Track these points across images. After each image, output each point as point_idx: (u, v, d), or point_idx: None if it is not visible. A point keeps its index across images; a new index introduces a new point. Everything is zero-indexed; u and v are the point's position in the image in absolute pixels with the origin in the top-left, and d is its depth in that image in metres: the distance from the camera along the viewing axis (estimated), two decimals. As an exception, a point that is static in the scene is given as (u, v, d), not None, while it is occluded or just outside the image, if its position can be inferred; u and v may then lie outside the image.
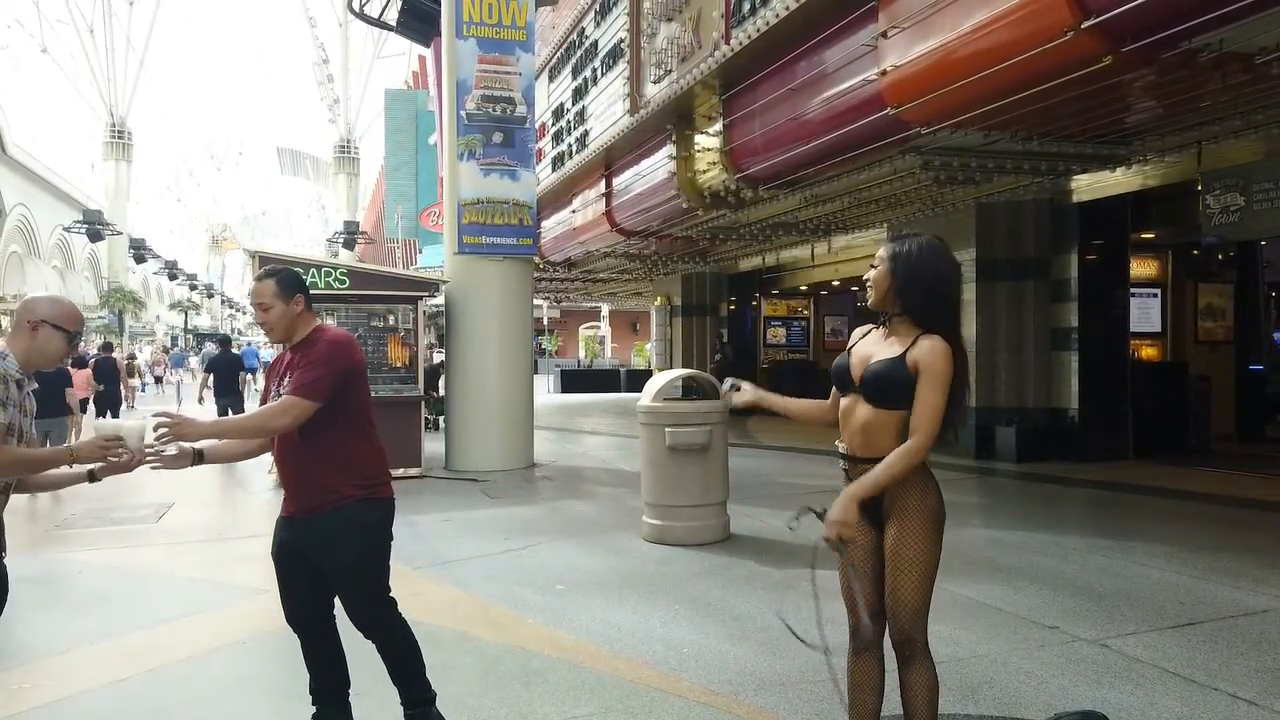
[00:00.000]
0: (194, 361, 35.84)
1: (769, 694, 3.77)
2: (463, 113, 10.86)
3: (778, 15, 7.91)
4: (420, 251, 30.54)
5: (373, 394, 3.51)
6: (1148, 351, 12.41)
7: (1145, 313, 12.25)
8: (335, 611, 3.23)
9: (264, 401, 3.25)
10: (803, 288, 19.18)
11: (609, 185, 13.95)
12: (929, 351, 2.60)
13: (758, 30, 8.25)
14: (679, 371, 7.42)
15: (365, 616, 3.17)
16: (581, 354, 40.64)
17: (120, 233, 47.53)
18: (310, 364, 3.01)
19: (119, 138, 61.12)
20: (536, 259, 15.20)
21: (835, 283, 17.57)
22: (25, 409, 2.70)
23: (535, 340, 22.81)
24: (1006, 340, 10.92)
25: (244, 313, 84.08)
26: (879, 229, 12.30)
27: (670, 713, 3.62)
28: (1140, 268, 12.06)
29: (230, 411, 13.44)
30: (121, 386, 15.94)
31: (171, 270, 52.16)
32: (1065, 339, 10.71)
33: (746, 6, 8.59)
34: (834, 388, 2.88)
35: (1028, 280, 10.90)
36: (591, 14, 13.48)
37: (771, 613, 4.80)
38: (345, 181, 67.31)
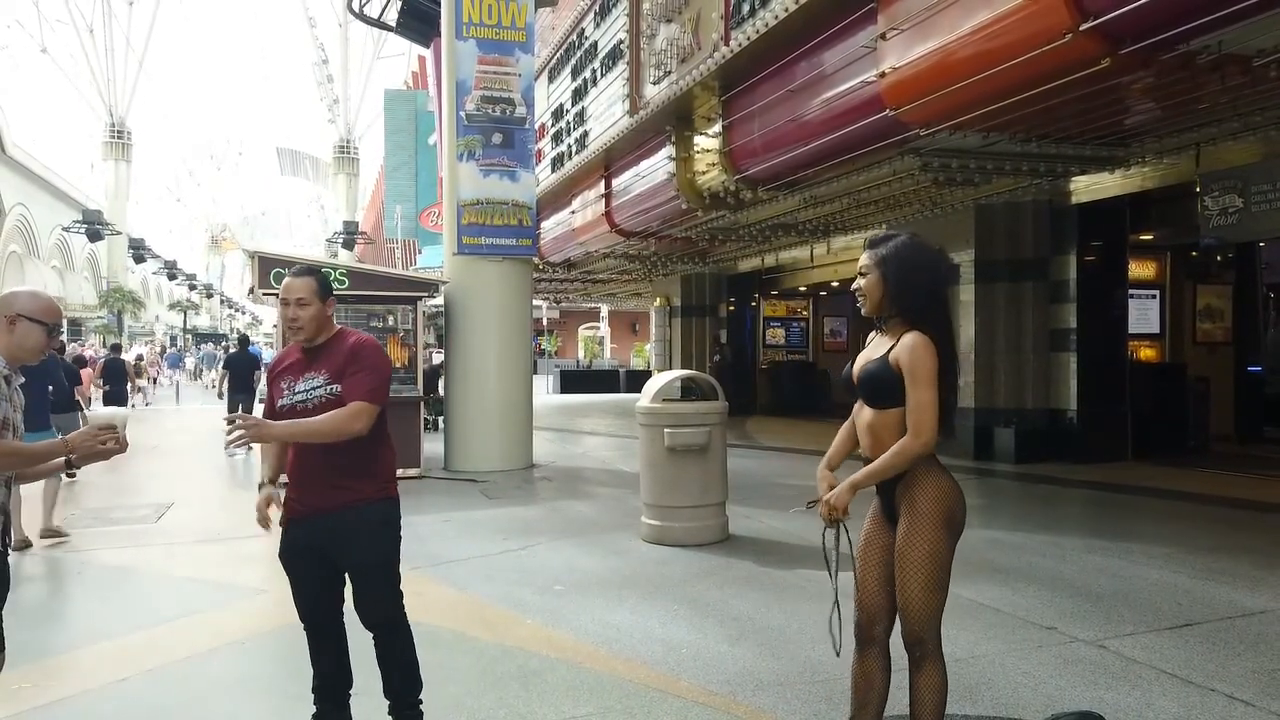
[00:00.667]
0: (190, 362, 35.78)
1: (767, 694, 3.78)
2: (462, 113, 10.86)
3: (777, 17, 7.92)
4: (420, 252, 30.54)
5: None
6: (1146, 353, 12.42)
7: (1144, 314, 12.26)
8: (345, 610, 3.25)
9: (270, 403, 3.24)
10: (802, 288, 19.18)
11: (608, 186, 13.96)
12: (908, 350, 2.63)
13: (757, 32, 8.26)
14: (678, 372, 7.43)
15: (383, 613, 3.20)
16: (581, 354, 40.63)
17: (119, 233, 47.54)
18: (369, 370, 3.10)
19: (118, 138, 61.10)
20: (536, 260, 15.20)
21: (834, 283, 17.57)
22: (15, 404, 2.72)
23: (534, 341, 22.84)
24: (1005, 341, 10.93)
25: (243, 312, 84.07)
26: (878, 230, 12.30)
27: (669, 713, 3.63)
28: (1139, 269, 12.07)
29: (241, 408, 14.10)
30: (128, 386, 16.19)
31: (171, 270, 52.20)
32: (1064, 340, 10.71)
33: (746, 8, 8.60)
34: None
35: (1026, 281, 10.91)
36: (591, 15, 13.49)
37: (772, 613, 4.81)
38: (345, 182, 67.30)
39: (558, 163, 15.30)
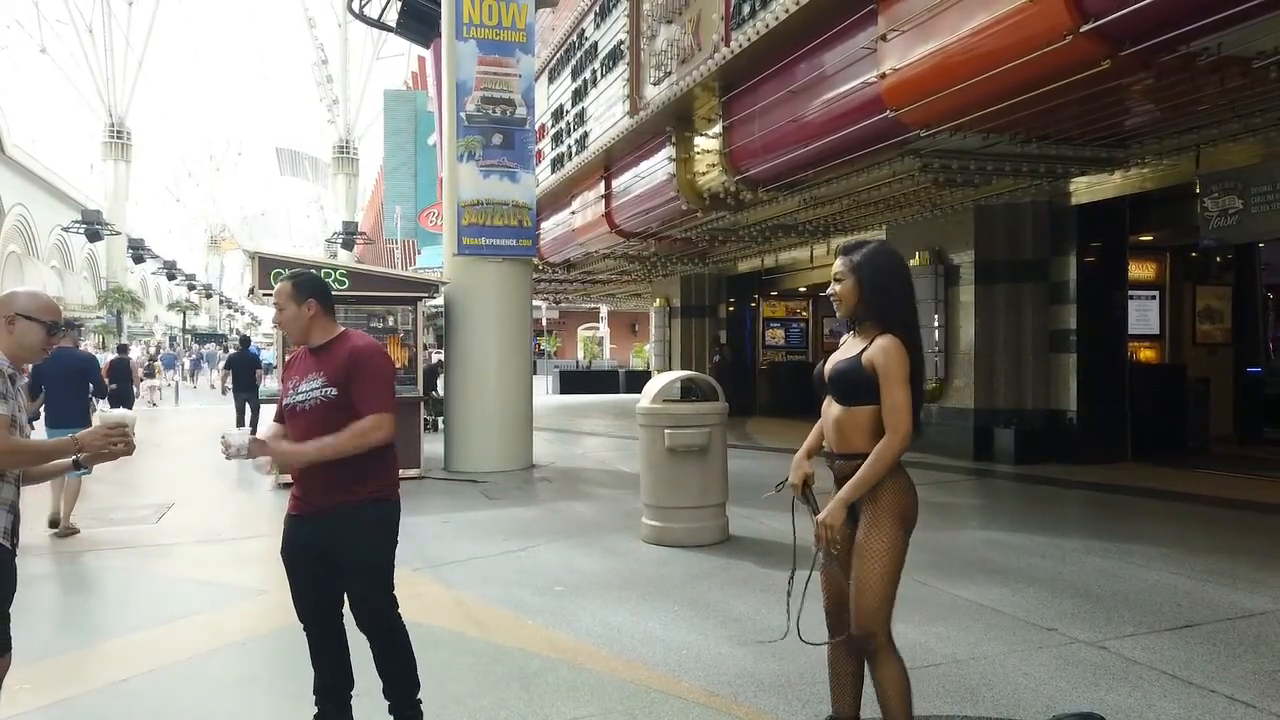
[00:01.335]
0: (188, 363, 35.71)
1: (768, 695, 3.78)
2: (462, 114, 10.86)
3: (777, 18, 7.92)
4: (419, 252, 30.57)
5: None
6: (1146, 353, 12.42)
7: (1144, 315, 12.26)
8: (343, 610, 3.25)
9: (280, 400, 3.34)
10: (802, 289, 19.18)
11: (608, 187, 13.96)
12: (882, 352, 2.77)
13: (757, 33, 8.26)
14: (678, 373, 7.43)
15: (374, 614, 3.20)
16: (580, 355, 40.64)
17: (119, 233, 47.57)
18: (373, 377, 3.15)
19: (118, 138, 61.13)
20: (536, 260, 15.20)
21: (834, 284, 17.55)
22: (20, 403, 2.73)
23: (534, 341, 22.83)
24: (1005, 342, 10.93)
25: (242, 313, 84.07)
26: (878, 230, 12.31)
27: (669, 714, 3.63)
28: (1139, 270, 12.08)
29: (248, 405, 14.93)
30: (135, 385, 16.46)
31: (170, 270, 52.21)
32: (1064, 341, 10.72)
33: (746, 9, 8.60)
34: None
35: (1026, 282, 10.91)
36: (591, 16, 13.49)
37: (773, 613, 4.80)
38: (344, 182, 67.34)
39: (558, 163, 15.30)
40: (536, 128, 12.68)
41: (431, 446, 11.27)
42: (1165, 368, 12.25)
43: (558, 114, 15.28)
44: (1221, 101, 6.82)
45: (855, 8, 7.30)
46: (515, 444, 10.98)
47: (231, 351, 17.88)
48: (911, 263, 11.45)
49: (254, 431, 14.46)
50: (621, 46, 12.13)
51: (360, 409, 3.09)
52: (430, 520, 7.74)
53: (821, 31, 7.78)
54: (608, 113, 12.73)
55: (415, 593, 5.38)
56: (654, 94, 10.95)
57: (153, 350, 35.53)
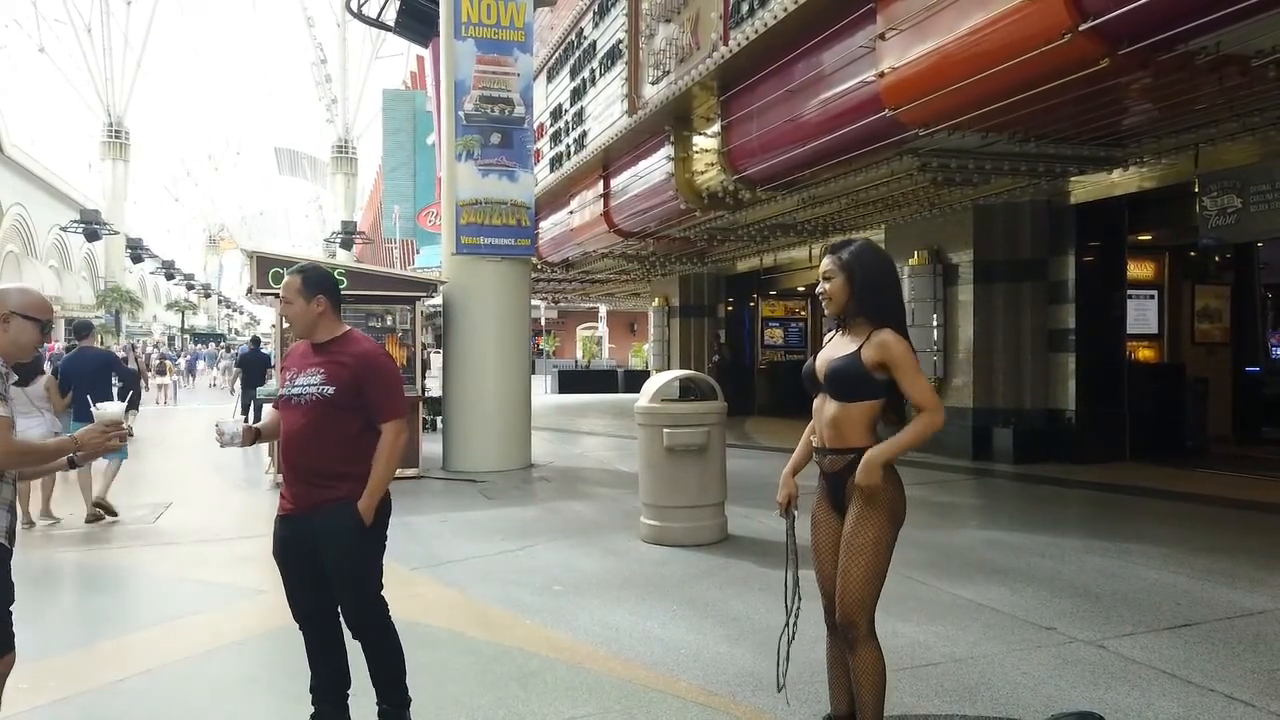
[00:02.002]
0: (183, 363, 35.67)
1: (767, 695, 3.77)
2: (461, 113, 10.86)
3: (776, 17, 7.92)
4: (418, 252, 30.52)
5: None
6: (1145, 353, 12.42)
7: (1142, 314, 12.26)
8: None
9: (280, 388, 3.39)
10: (800, 288, 19.18)
11: (607, 186, 13.96)
12: (886, 348, 2.84)
13: (756, 32, 8.26)
14: (677, 372, 7.42)
15: (357, 615, 3.20)
16: (579, 355, 40.63)
17: (117, 232, 47.54)
18: (384, 386, 3.23)
19: (116, 137, 61.04)
20: (534, 259, 15.19)
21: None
22: (12, 402, 2.73)
23: (533, 341, 22.79)
24: (1004, 341, 10.93)
25: (240, 312, 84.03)
26: (877, 230, 12.31)
27: (668, 713, 3.62)
28: (1137, 269, 12.07)
29: (253, 404, 15.21)
30: (140, 384, 16.59)
31: (169, 270, 52.22)
32: (1062, 340, 10.71)
33: (745, 8, 8.60)
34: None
35: (1025, 281, 10.91)
36: (590, 15, 13.48)
37: (771, 613, 4.79)
38: (343, 182, 67.28)
39: (556, 162, 15.29)
40: (535, 127, 12.67)
41: (430, 446, 11.26)
42: (1164, 367, 12.25)
43: (556, 113, 15.27)
44: (1220, 100, 6.82)
45: (854, 7, 7.30)
46: (514, 443, 10.97)
47: (244, 350, 18.80)
48: (910, 262, 11.46)
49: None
50: (620, 45, 12.12)
51: (377, 417, 3.18)
52: (429, 520, 7.73)
53: (820, 30, 7.78)
54: (606, 112, 12.73)
55: (414, 592, 5.38)
56: (652, 93, 10.94)
57: (163, 348, 35.66)
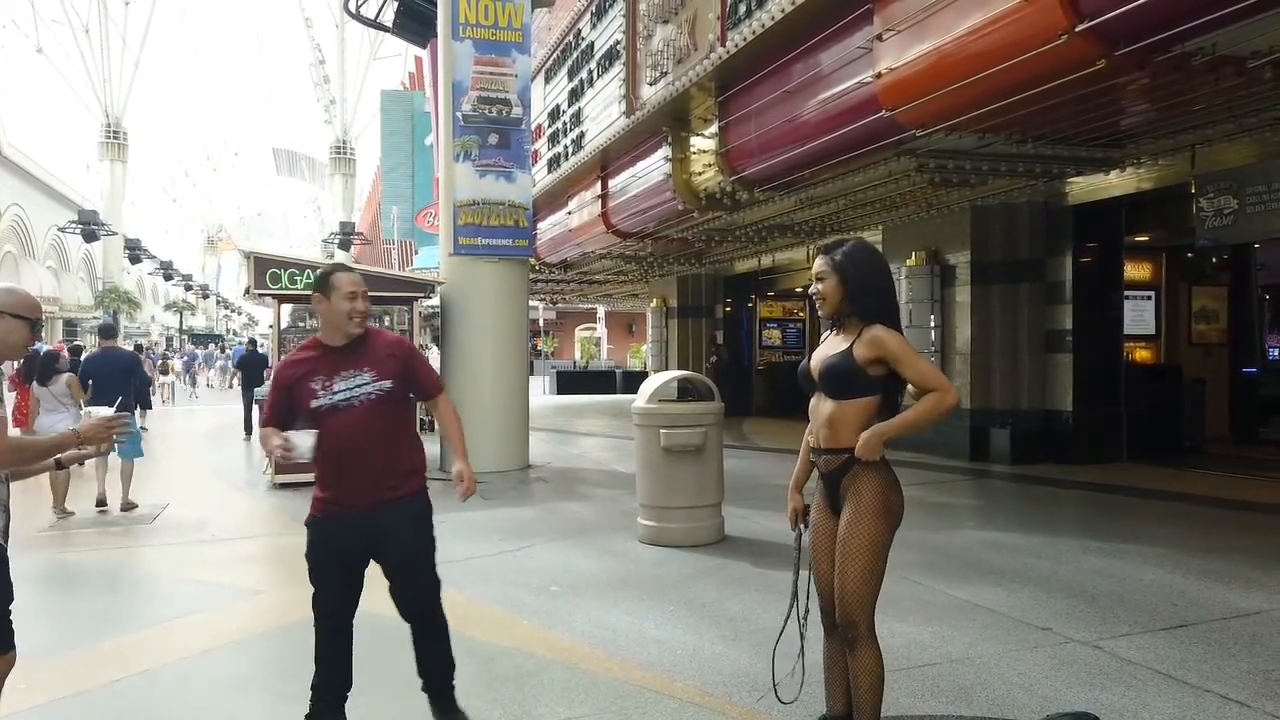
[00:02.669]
0: (179, 364, 35.62)
1: (763, 696, 3.77)
2: (459, 114, 10.86)
3: (773, 18, 7.92)
4: (416, 252, 30.49)
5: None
6: (1142, 354, 12.45)
7: (1139, 315, 12.29)
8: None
9: (301, 404, 3.24)
10: (798, 289, 19.17)
11: (605, 187, 13.95)
12: (881, 340, 2.86)
13: (753, 33, 8.26)
14: (674, 373, 7.42)
15: (435, 599, 3.35)
16: (577, 355, 40.63)
17: (115, 233, 47.44)
18: (425, 360, 3.57)
19: (114, 138, 60.90)
20: (532, 260, 15.18)
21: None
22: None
23: (531, 341, 22.78)
24: (1001, 342, 10.94)
25: (239, 313, 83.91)
26: (874, 231, 12.32)
27: (664, 714, 3.63)
28: (1134, 270, 12.10)
29: (256, 401, 15.14)
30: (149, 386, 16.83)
31: (167, 271, 52.07)
32: (1060, 341, 10.73)
33: (743, 9, 8.60)
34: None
35: (1022, 282, 10.92)
36: (588, 16, 13.48)
37: (768, 613, 4.80)
38: (341, 182, 67.15)
39: (554, 163, 15.29)
40: (533, 128, 12.67)
41: (428, 446, 11.22)
42: (1161, 368, 12.27)
43: (554, 114, 15.27)
44: (1217, 101, 6.83)
45: (851, 7, 7.30)
46: (512, 444, 10.97)
47: (240, 351, 19.06)
48: (908, 263, 11.48)
49: (249, 425, 14.59)
50: (618, 46, 12.12)
51: (431, 392, 3.47)
52: (426, 520, 7.72)
53: (817, 31, 7.78)
54: (604, 113, 12.73)
55: (411, 593, 5.37)
56: (650, 94, 10.94)
57: (162, 348, 35.62)
